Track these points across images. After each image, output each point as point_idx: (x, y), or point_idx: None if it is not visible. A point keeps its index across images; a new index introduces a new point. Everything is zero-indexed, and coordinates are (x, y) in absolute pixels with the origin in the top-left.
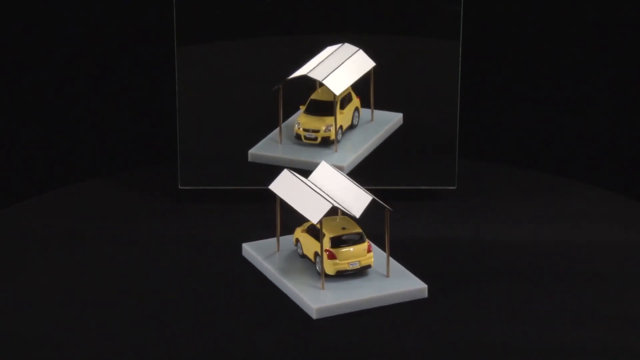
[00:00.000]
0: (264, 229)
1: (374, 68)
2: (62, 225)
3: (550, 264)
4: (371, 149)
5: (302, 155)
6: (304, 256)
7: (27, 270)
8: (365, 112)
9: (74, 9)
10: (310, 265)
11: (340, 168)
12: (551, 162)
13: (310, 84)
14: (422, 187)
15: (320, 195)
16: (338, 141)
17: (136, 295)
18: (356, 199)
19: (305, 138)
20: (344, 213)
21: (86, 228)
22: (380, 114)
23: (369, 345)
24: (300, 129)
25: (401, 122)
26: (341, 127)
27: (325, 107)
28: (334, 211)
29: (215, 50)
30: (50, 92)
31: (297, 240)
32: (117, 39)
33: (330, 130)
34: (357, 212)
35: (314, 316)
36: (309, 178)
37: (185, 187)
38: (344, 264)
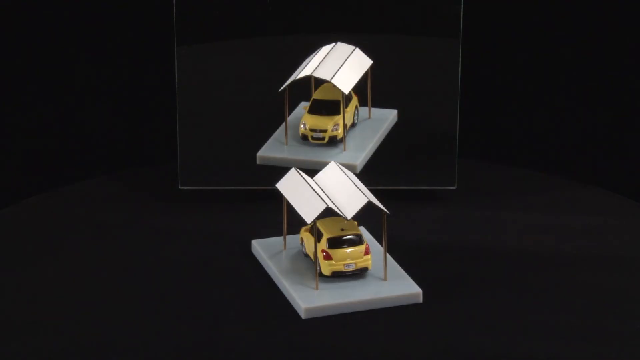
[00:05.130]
0: (271, 228)
1: (373, 67)
2: (63, 225)
3: (550, 271)
4: (376, 146)
5: (311, 155)
6: (308, 255)
7: (26, 270)
8: (361, 110)
9: (74, 8)
10: (312, 265)
11: (352, 167)
12: (552, 162)
13: (304, 84)
14: (422, 187)
15: (318, 195)
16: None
17: (135, 291)
18: (354, 200)
19: (313, 138)
20: (337, 214)
21: (86, 227)
22: (375, 111)
23: (351, 348)
24: (307, 129)
25: (396, 118)
26: (345, 125)
27: (330, 106)
28: (334, 212)
29: (215, 50)
30: (51, 92)
31: (302, 240)
32: (117, 39)
33: (337, 129)
34: (350, 213)
35: (303, 316)
36: (315, 178)
37: (185, 187)
38: (339, 265)
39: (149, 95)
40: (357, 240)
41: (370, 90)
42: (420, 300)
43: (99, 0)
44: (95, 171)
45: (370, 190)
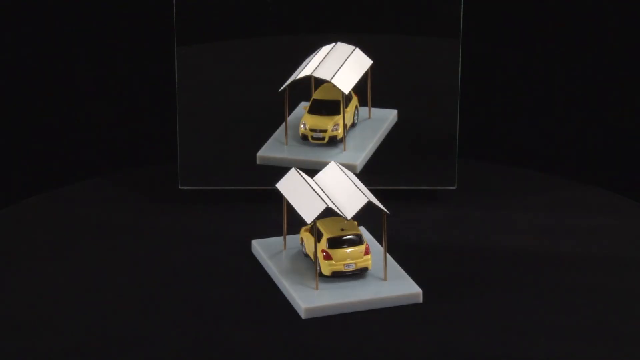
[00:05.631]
0: (271, 228)
1: (373, 67)
2: (63, 225)
3: (550, 271)
4: (376, 146)
5: (311, 155)
6: (308, 255)
7: (26, 270)
8: (361, 110)
9: (74, 8)
10: (312, 265)
11: (352, 167)
12: (552, 162)
13: (304, 84)
14: (422, 187)
15: (318, 195)
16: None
17: (135, 290)
18: (354, 200)
19: (313, 138)
20: (337, 214)
21: (86, 227)
22: (375, 111)
23: (351, 348)
24: (307, 129)
25: (396, 118)
26: (345, 125)
27: (330, 106)
28: (334, 212)
29: (215, 50)
30: (51, 93)
31: (302, 240)
32: (117, 39)
33: (337, 129)
34: (350, 213)
35: (303, 316)
36: (315, 178)
37: (185, 187)
38: (339, 265)
39: (149, 95)
40: (357, 240)
41: (370, 90)
42: (420, 300)
43: (100, 0)
44: (95, 171)
45: (370, 190)
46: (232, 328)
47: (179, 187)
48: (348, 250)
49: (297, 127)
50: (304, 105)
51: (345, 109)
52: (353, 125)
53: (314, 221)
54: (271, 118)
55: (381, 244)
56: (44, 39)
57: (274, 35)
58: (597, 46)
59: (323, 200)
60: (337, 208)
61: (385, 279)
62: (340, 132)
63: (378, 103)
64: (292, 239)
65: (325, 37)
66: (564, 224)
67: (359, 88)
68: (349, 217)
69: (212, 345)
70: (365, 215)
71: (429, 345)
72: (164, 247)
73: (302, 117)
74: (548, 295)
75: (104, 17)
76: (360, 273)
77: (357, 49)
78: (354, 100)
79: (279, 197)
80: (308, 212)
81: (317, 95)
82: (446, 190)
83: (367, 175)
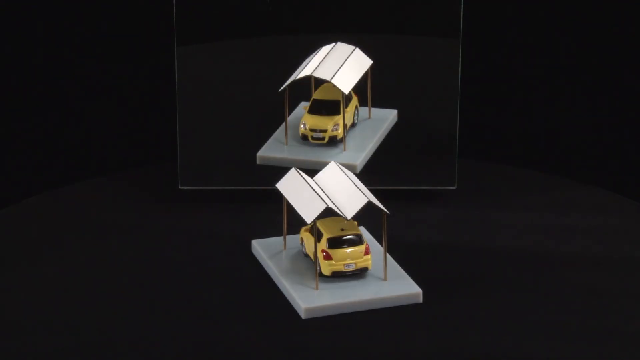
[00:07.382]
0: (271, 228)
1: (373, 67)
2: (63, 225)
3: (549, 271)
4: (376, 146)
5: (311, 155)
6: (308, 255)
7: (26, 270)
8: (361, 110)
9: (74, 8)
10: (312, 265)
11: (352, 167)
12: (551, 162)
13: (304, 84)
14: (422, 187)
15: (318, 195)
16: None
17: (134, 291)
18: (354, 200)
19: (313, 138)
20: (337, 214)
21: (86, 227)
22: (375, 111)
23: (351, 348)
24: (307, 129)
25: (396, 118)
26: (345, 125)
27: (330, 106)
28: (334, 212)
29: (215, 50)
30: (51, 92)
31: (302, 240)
32: (117, 39)
33: (337, 129)
34: (350, 213)
35: (303, 316)
36: (315, 178)
37: (185, 187)
38: (339, 265)
39: (149, 95)
40: (357, 240)
41: (370, 90)
42: (420, 300)
43: (100, 0)
44: (95, 171)
45: (370, 190)
46: (232, 328)
47: (179, 187)
48: (348, 250)
49: (297, 127)
50: (304, 105)
51: (345, 109)
52: (353, 125)
53: (314, 221)
54: (271, 118)
55: (381, 244)
56: (45, 38)
57: (274, 35)
58: (597, 46)
59: (323, 200)
60: (337, 208)
61: (385, 279)
62: (340, 132)
63: (378, 103)
64: (292, 239)
65: (325, 37)
66: (564, 224)
67: (359, 88)
68: (349, 217)
69: (212, 345)
70: (365, 215)
71: (429, 345)
72: (164, 247)
73: (302, 117)
74: (548, 295)
75: (104, 17)
76: (360, 273)
77: (357, 49)
78: (354, 100)
79: (279, 197)
80: (308, 212)
81: (317, 95)
82: (446, 190)
83: (367, 175)
